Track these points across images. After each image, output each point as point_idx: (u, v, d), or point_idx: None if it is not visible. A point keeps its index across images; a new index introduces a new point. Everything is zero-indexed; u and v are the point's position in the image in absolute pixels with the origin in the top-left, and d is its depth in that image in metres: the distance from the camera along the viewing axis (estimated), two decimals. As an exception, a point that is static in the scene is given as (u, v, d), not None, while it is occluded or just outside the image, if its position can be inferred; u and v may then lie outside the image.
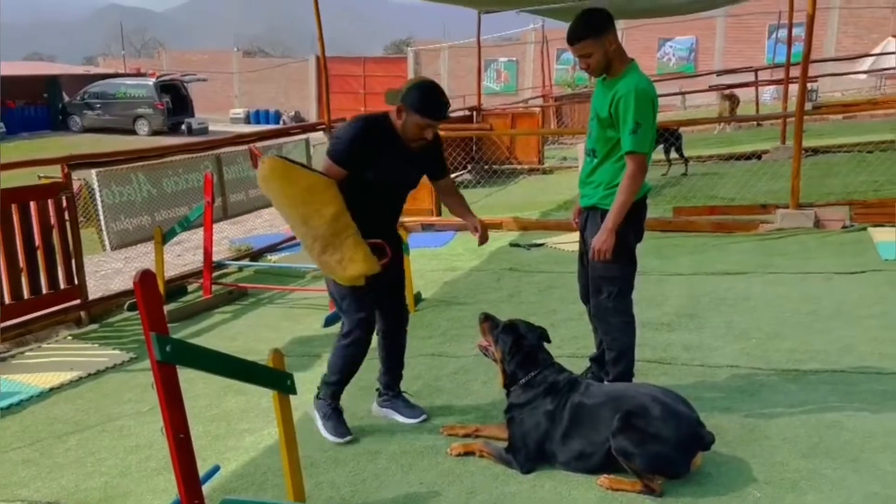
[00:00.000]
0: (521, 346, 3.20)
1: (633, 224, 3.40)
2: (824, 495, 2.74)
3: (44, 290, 5.34)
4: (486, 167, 12.55)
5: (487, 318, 3.34)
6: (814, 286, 5.32)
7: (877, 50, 21.33)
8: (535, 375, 3.16)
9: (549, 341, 3.34)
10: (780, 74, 14.84)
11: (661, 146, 10.25)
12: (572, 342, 4.55)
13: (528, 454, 3.08)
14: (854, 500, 2.70)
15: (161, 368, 2.17)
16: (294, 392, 2.74)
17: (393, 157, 3.27)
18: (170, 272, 6.66)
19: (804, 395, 3.60)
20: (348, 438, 3.44)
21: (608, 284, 3.47)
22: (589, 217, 3.52)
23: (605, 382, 3.58)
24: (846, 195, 7.85)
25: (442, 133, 10.66)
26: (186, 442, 2.24)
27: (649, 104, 3.26)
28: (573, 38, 3.32)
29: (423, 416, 3.61)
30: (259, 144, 7.85)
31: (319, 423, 3.51)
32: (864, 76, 22.20)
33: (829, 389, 3.65)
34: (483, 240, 3.65)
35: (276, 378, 2.67)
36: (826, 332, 4.41)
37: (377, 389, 3.74)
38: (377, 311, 3.49)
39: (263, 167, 3.15)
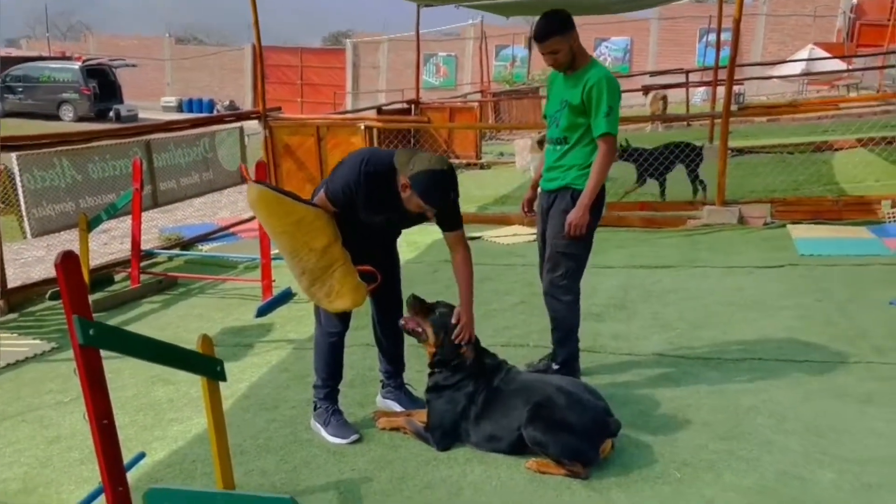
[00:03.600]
0: (451, 327, 3.23)
1: (596, 206, 3.59)
2: (739, 475, 2.87)
3: (-41, 278, 5.11)
4: (423, 161, 12.55)
5: (418, 300, 3.35)
6: (736, 279, 5.54)
7: (799, 56, 22.24)
8: (463, 358, 3.21)
9: None
10: (710, 77, 15.33)
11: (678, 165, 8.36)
12: (505, 332, 4.62)
13: (444, 432, 3.17)
14: (766, 478, 2.84)
15: (84, 352, 2.12)
16: (224, 379, 2.71)
17: (390, 210, 3.13)
18: (95, 261, 6.45)
19: (724, 382, 3.76)
20: (354, 437, 3.27)
21: (566, 261, 3.63)
22: (557, 197, 3.67)
23: (553, 368, 3.71)
24: (768, 193, 8.18)
25: (379, 125, 10.65)
26: (110, 428, 2.20)
27: (617, 92, 3.56)
28: (542, 36, 3.54)
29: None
30: (192, 132, 7.68)
31: (323, 432, 3.33)
32: (787, 81, 23.11)
33: (747, 376, 3.82)
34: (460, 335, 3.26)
35: (204, 364, 2.63)
36: (746, 323, 4.60)
37: (381, 381, 3.68)
38: (372, 300, 3.44)
39: (251, 193, 3.11)
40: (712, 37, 25.64)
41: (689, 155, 8.28)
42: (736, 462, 2.96)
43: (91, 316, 2.15)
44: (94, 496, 2.64)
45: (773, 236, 6.76)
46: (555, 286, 3.68)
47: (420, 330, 3.29)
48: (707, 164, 8.12)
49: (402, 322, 3.37)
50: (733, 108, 7.72)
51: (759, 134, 13.86)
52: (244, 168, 4.49)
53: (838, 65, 21.42)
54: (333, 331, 3.33)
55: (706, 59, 26.54)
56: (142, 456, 2.87)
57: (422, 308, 3.31)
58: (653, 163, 8.28)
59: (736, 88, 15.92)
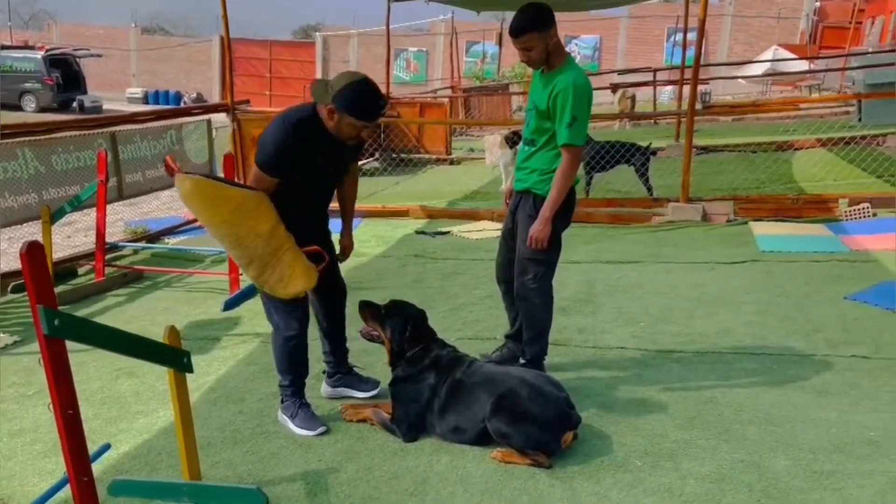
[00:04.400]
0: (405, 325, 3.32)
1: (562, 213, 3.54)
2: (698, 462, 2.96)
3: (-83, 270, 5.00)
4: (394, 156, 12.58)
5: (368, 306, 3.42)
6: (699, 275, 5.66)
7: (765, 56, 22.64)
8: (420, 350, 3.29)
9: (426, 318, 3.45)
10: (677, 76, 15.55)
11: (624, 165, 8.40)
12: (474, 325, 4.67)
13: (410, 424, 3.22)
14: (724, 466, 2.93)
15: (49, 343, 2.11)
16: (190, 370, 2.71)
17: (326, 153, 3.11)
18: (59, 253, 6.36)
19: (685, 374, 3.85)
20: (321, 429, 3.28)
21: (535, 266, 3.60)
22: (522, 199, 3.65)
23: (520, 362, 3.74)
24: (731, 191, 8.36)
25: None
26: (75, 418, 2.19)
27: (585, 99, 3.42)
28: (517, 31, 3.41)
29: (378, 387, 3.61)
30: (158, 124, 7.59)
31: (290, 424, 3.33)
32: (752, 82, 23.52)
33: (708, 369, 3.92)
34: (343, 259, 3.61)
35: (171, 355, 2.63)
36: (708, 317, 4.71)
37: (324, 371, 3.67)
38: (313, 291, 3.37)
39: (184, 186, 2.90)
40: (679, 36, 26.02)
41: (634, 155, 8.25)
42: (695, 450, 3.04)
43: (56, 306, 2.14)
44: (58, 487, 2.62)
45: (736, 233, 6.91)
46: (526, 289, 3.65)
47: (376, 333, 3.38)
48: (670, 162, 8.27)
49: (360, 332, 3.44)
50: (698, 107, 7.87)
51: (723, 133, 14.11)
52: (169, 159, 4.35)
53: (802, 66, 21.85)
54: (292, 334, 3.27)
55: (674, 58, 26.89)
56: (107, 447, 2.86)
57: (373, 313, 3.38)
58: (594, 157, 8.24)
59: (702, 88, 16.21)
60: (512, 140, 9.14)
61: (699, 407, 3.45)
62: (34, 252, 2.09)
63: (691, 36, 12.39)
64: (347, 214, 3.63)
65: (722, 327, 4.51)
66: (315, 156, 3.07)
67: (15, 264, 6.06)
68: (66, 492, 2.50)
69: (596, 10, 19.96)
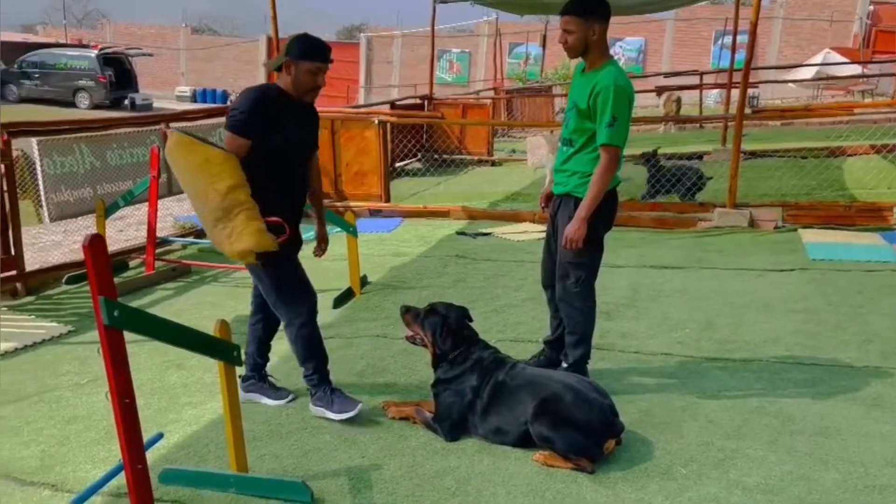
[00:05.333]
0: (447, 326, 3.33)
1: (603, 214, 3.51)
2: (745, 473, 2.91)
3: (-22, 260, 5.19)
4: (436, 156, 12.62)
5: (409, 310, 3.46)
6: (746, 282, 5.56)
7: (815, 60, 22.15)
8: (462, 351, 3.30)
9: (470, 319, 3.47)
10: (723, 79, 15.29)
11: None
12: (515, 327, 4.67)
13: (452, 424, 3.23)
14: (772, 477, 2.87)
15: (108, 333, 2.18)
16: (240, 363, 2.77)
17: (292, 119, 3.33)
18: (111, 247, 6.53)
19: (731, 382, 3.79)
20: (360, 406, 3.38)
21: (576, 270, 3.57)
22: (562, 203, 3.61)
23: (562, 366, 3.72)
24: (780, 197, 8.18)
25: (393, 120, 10.70)
26: (131, 407, 2.26)
27: (626, 100, 3.38)
28: (563, 10, 3.43)
29: (291, 397, 3.63)
30: (208, 122, 7.75)
31: (329, 413, 3.40)
32: (802, 86, 23.03)
33: (754, 377, 3.85)
34: (320, 252, 3.76)
35: (222, 348, 2.69)
36: (755, 325, 4.62)
37: (240, 376, 3.56)
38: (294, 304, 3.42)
39: (170, 140, 3.18)
40: (727, 39, 25.56)
41: (696, 184, 8.21)
42: (742, 460, 3.00)
43: (116, 296, 2.20)
44: (113, 473, 2.70)
45: (784, 240, 6.77)
46: (569, 293, 3.62)
47: (419, 336, 3.40)
48: (717, 167, 8.12)
49: (403, 337, 3.48)
50: (747, 111, 7.73)
51: (772, 137, 13.82)
52: (164, 128, 4.45)
53: (854, 70, 21.31)
54: (302, 321, 3.36)
55: (721, 61, 26.46)
56: (160, 436, 2.93)
57: (414, 316, 3.42)
58: (670, 178, 8.24)
59: (750, 91, 15.90)
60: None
61: (746, 416, 3.39)
62: (96, 244, 2.15)
63: (740, 38, 12.17)
64: (318, 206, 3.81)
65: (769, 336, 4.43)
66: (283, 122, 3.27)
67: (70, 256, 6.25)
68: (120, 478, 2.58)
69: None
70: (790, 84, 22.42)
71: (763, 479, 2.87)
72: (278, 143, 3.25)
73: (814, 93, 23.88)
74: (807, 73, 21.23)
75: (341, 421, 3.36)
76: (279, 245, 3.15)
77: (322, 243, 3.78)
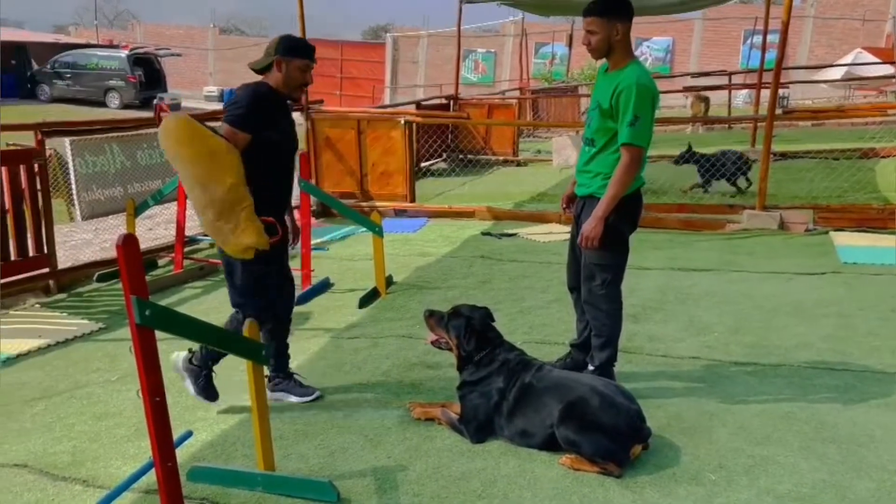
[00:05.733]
0: (471, 328, 3.32)
1: (627, 215, 3.48)
2: (776, 480, 2.86)
3: (12, 257, 5.28)
4: (461, 156, 12.62)
5: (432, 314, 3.46)
6: (776, 285, 5.48)
7: (846, 60, 21.78)
8: (488, 353, 3.29)
9: (493, 320, 3.46)
10: (753, 79, 15.10)
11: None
12: (541, 329, 4.65)
13: (478, 426, 3.22)
14: (804, 485, 2.83)
15: (140, 332, 2.20)
16: (268, 363, 2.80)
17: (284, 117, 3.50)
18: (141, 245, 6.60)
19: (761, 387, 3.73)
20: (317, 393, 3.66)
21: (602, 272, 3.55)
22: (585, 205, 3.58)
23: (588, 369, 3.69)
24: (811, 199, 8.06)
25: (419, 120, 10.69)
26: (162, 405, 2.28)
27: (649, 99, 3.35)
28: (585, 11, 3.44)
29: (317, 394, 3.69)
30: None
31: (291, 398, 3.64)
32: (833, 86, 22.66)
33: (784, 383, 3.79)
34: (293, 243, 3.83)
35: (251, 348, 2.71)
36: (784, 329, 4.55)
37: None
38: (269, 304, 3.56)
39: (169, 122, 3.15)
40: (757, 38, 25.24)
41: (740, 167, 8.77)
42: (772, 467, 2.95)
43: (148, 295, 2.23)
44: (144, 471, 2.73)
45: (815, 243, 6.67)
46: (594, 295, 3.60)
47: (444, 340, 3.40)
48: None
49: (429, 342, 3.51)
50: (778, 111, 7.62)
51: (803, 138, 13.63)
52: (161, 104, 4.51)
53: (886, 70, 20.92)
54: (266, 315, 3.48)
55: (750, 61, 26.13)
56: (189, 434, 2.97)
57: (438, 320, 3.42)
58: (720, 168, 8.65)
59: (780, 92, 15.67)
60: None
61: (776, 422, 3.34)
62: (129, 244, 2.18)
63: (770, 38, 11.99)
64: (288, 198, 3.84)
65: (800, 340, 4.36)
66: (277, 119, 3.41)
67: (101, 254, 6.35)
68: (150, 475, 2.61)
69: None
70: (821, 84, 22.07)
71: (794, 486, 2.82)
72: (274, 139, 3.38)
73: (845, 93, 23.49)
74: (837, 73, 20.87)
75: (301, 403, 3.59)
76: (271, 245, 3.27)
77: (294, 235, 3.83)
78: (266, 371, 3.60)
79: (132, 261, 2.17)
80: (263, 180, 3.30)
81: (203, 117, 7.57)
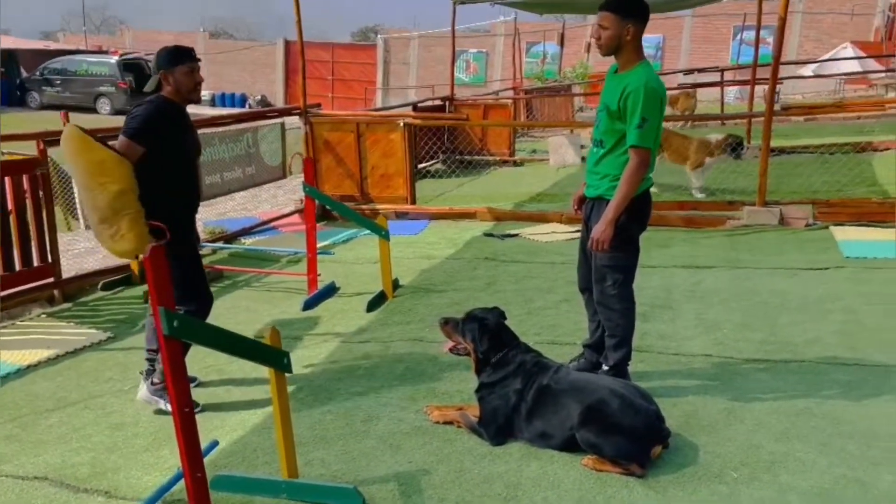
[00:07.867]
0: (486, 330, 3.33)
1: (636, 216, 3.50)
2: (798, 476, 2.88)
3: (17, 267, 5.25)
4: (457, 157, 12.61)
5: (447, 321, 3.47)
6: (780, 281, 5.51)
7: (837, 54, 21.88)
8: (504, 355, 3.30)
9: (505, 318, 3.47)
10: (743, 75, 15.16)
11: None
12: (550, 330, 4.65)
13: (497, 428, 3.23)
14: (826, 481, 2.85)
15: (168, 343, 2.20)
16: (290, 370, 2.79)
17: (185, 129, 3.70)
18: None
19: (775, 384, 3.75)
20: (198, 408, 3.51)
21: (613, 273, 3.56)
22: (594, 207, 3.60)
23: (603, 369, 3.71)
24: (810, 194, 8.10)
25: (418, 122, 10.64)
26: (191, 416, 2.28)
27: (657, 102, 3.38)
28: (601, 5, 3.45)
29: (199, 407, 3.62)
30: (237, 127, 7.80)
31: (162, 405, 3.60)
32: (825, 80, 22.76)
33: (797, 378, 3.81)
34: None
35: (273, 355, 2.71)
36: (793, 325, 4.58)
37: (141, 371, 3.78)
38: (197, 296, 3.72)
39: (64, 133, 3.36)
40: (747, 34, 25.37)
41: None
42: (793, 463, 2.97)
43: (174, 306, 2.22)
44: (174, 481, 2.72)
45: (816, 238, 6.70)
46: (606, 296, 3.62)
47: (462, 346, 3.40)
48: (745, 164, 8.15)
49: (446, 350, 3.50)
50: (776, 107, 7.65)
51: (797, 133, 13.68)
52: (63, 115, 4.74)
53: (875, 64, 21.05)
54: (188, 308, 3.56)
55: (740, 57, 26.23)
56: (215, 444, 2.96)
57: (453, 326, 3.43)
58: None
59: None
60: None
61: (793, 418, 3.36)
62: (156, 256, 2.17)
63: (762, 34, 12.03)
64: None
65: (809, 336, 4.38)
66: (178, 131, 3.61)
67: (105, 262, 6.31)
68: (177, 485, 2.60)
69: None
70: (811, 79, 22.15)
71: (816, 482, 2.84)
72: (175, 149, 3.58)
73: (835, 87, 23.61)
74: (831, 67, 20.97)
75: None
76: (182, 246, 3.51)
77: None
78: (147, 366, 3.74)
79: (160, 273, 2.17)
80: (167, 187, 3.51)
81: (204, 123, 7.55)
